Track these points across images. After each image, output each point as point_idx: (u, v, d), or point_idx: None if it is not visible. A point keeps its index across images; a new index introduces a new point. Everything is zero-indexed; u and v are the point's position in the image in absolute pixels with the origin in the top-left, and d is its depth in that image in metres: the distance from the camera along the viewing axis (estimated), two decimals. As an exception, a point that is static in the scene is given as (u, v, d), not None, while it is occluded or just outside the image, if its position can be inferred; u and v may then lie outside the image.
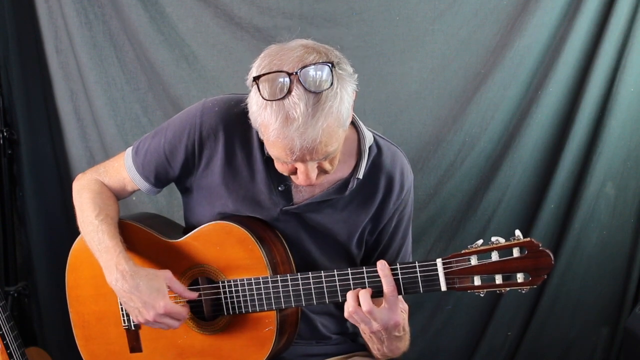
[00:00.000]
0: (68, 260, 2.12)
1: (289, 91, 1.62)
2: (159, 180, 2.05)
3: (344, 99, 1.67)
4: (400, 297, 1.79)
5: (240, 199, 1.95)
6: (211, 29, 3.07)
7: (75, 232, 2.09)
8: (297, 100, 1.61)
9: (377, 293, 1.79)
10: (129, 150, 2.08)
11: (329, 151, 1.70)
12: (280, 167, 1.80)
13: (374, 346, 1.89)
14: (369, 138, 1.95)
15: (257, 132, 1.88)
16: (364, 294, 1.77)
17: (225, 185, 1.95)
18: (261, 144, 1.90)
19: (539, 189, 3.10)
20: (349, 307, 1.79)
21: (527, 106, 3.03)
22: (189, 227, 2.05)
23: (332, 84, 1.63)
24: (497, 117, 3.04)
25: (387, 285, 1.76)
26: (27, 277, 3.28)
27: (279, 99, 1.62)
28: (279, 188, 1.93)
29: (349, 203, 1.96)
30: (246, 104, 1.83)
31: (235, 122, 1.92)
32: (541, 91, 3.00)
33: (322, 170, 1.77)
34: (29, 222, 3.23)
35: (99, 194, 2.05)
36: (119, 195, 2.11)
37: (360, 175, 1.91)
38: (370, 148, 1.95)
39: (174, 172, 2.01)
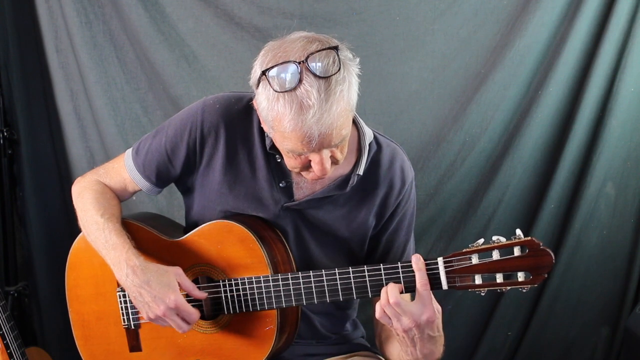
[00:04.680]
0: (68, 259, 2.11)
1: (300, 80, 1.62)
2: (161, 180, 2.05)
3: (352, 83, 1.69)
4: (434, 298, 1.76)
5: (241, 197, 1.95)
6: (211, 29, 3.07)
7: (75, 232, 2.09)
8: (309, 88, 1.62)
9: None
10: (129, 151, 2.08)
11: (344, 135, 1.71)
12: (292, 163, 1.79)
13: (407, 350, 1.81)
14: (369, 135, 1.96)
15: (258, 129, 1.90)
16: (392, 287, 1.74)
17: (227, 183, 1.95)
18: (262, 140, 1.91)
19: (539, 189, 3.10)
20: (381, 302, 1.75)
21: (527, 106, 3.03)
22: (189, 227, 2.05)
23: (339, 68, 1.65)
24: (497, 117, 3.04)
25: (420, 279, 1.73)
26: (27, 277, 3.28)
27: (290, 90, 1.63)
28: (280, 185, 1.93)
29: (350, 199, 1.96)
30: (247, 101, 1.87)
31: (236, 119, 1.93)
32: (541, 91, 3.00)
33: (333, 161, 1.77)
34: (29, 222, 3.23)
35: (101, 193, 2.04)
36: (120, 197, 2.11)
37: (361, 171, 1.91)
38: (370, 145, 1.95)
39: (176, 171, 2.01)
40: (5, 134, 3.12)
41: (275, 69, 1.65)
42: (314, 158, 1.73)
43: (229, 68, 3.08)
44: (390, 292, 1.74)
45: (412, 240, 2.10)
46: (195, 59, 3.10)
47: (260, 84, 1.69)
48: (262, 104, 1.71)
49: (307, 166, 1.78)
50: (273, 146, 1.88)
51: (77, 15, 3.07)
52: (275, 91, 1.64)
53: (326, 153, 1.73)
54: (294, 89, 1.63)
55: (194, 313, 1.87)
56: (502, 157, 3.07)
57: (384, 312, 1.75)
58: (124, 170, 2.07)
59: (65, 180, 3.23)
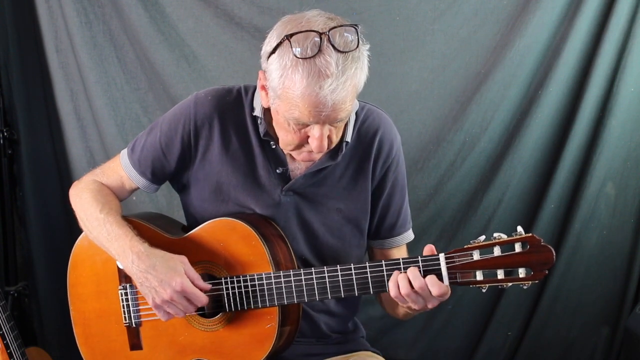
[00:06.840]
0: (70, 258, 2.11)
1: (320, 50, 1.66)
2: (156, 176, 2.06)
3: (364, 64, 1.74)
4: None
5: (240, 185, 1.97)
6: (211, 29, 3.08)
7: (75, 232, 2.09)
8: (329, 59, 1.66)
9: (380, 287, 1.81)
10: (124, 150, 2.10)
11: (349, 111, 1.77)
12: (290, 138, 1.81)
13: (415, 311, 1.89)
14: (354, 104, 1.97)
15: (251, 117, 1.94)
16: (414, 273, 1.76)
17: (225, 172, 1.97)
18: (256, 128, 1.94)
19: (539, 189, 3.10)
20: (402, 290, 1.78)
21: (527, 106, 3.03)
22: (191, 224, 2.05)
23: (357, 46, 1.70)
24: (497, 117, 3.05)
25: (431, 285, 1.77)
26: (27, 277, 3.28)
27: (310, 57, 1.66)
28: (277, 171, 1.95)
29: (346, 169, 1.99)
30: (237, 92, 1.95)
31: (228, 109, 1.97)
32: (541, 91, 3.00)
33: (328, 142, 1.80)
34: (29, 222, 3.23)
35: (99, 191, 2.05)
36: (119, 195, 2.11)
37: (349, 138, 1.93)
38: (356, 113, 1.99)
39: (171, 166, 2.02)
40: (5, 134, 3.12)
41: (297, 35, 1.68)
42: (315, 132, 1.76)
43: (229, 68, 3.09)
44: (414, 279, 1.76)
45: (407, 204, 2.12)
46: (195, 59, 3.11)
47: (279, 49, 1.72)
48: (275, 71, 1.73)
49: (302, 144, 1.81)
50: (267, 133, 1.91)
51: (77, 15, 3.08)
52: (295, 56, 1.67)
53: (326, 130, 1.76)
54: (314, 56, 1.66)
55: (202, 295, 1.87)
56: (502, 157, 3.08)
57: (401, 295, 1.78)
58: (120, 168, 2.08)
59: (65, 180, 3.23)
